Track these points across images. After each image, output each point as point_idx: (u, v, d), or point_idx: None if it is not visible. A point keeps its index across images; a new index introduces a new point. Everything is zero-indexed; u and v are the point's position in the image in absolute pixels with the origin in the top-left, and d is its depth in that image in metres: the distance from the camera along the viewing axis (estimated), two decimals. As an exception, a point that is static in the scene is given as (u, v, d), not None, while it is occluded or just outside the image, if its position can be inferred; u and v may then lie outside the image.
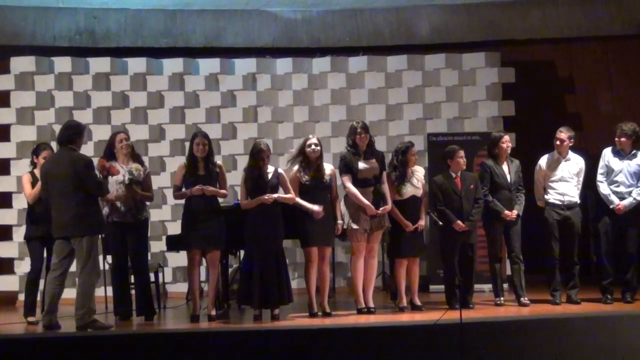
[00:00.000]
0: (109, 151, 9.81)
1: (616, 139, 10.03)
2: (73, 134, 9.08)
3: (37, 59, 12.05)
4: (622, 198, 9.98)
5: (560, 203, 10.05)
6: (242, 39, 12.65)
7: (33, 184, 9.85)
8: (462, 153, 9.97)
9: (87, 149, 11.98)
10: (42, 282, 9.99)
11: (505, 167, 10.08)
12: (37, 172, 9.90)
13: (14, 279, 11.75)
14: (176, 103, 12.40)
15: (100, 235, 9.53)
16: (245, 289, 9.53)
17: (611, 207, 9.96)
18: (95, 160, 9.26)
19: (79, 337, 8.86)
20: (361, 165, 9.65)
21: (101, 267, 11.02)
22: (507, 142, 10.10)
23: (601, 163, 10.13)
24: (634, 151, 10.06)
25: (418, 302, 10.00)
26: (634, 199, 9.96)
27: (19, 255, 11.76)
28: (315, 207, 9.51)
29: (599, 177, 10.08)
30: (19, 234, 11.75)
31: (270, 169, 9.62)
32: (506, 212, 9.93)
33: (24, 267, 11.66)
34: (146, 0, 12.26)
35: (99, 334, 8.99)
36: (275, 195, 9.48)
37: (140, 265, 9.83)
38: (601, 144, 10.20)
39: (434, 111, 12.52)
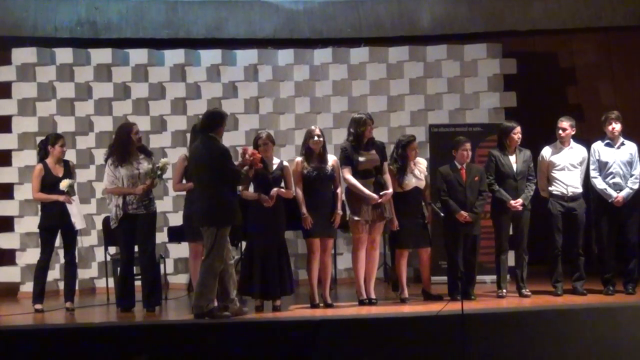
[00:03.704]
0: (119, 144, 9.79)
1: (608, 127, 10.06)
2: (214, 122, 9.09)
3: (38, 50, 12.03)
4: (620, 189, 9.99)
5: (564, 195, 10.06)
6: (244, 30, 12.63)
7: (45, 176, 9.90)
8: (467, 145, 10.01)
9: (88, 140, 12.04)
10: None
11: (512, 157, 10.08)
12: (49, 161, 9.93)
13: (16, 270, 11.75)
14: (178, 94, 12.39)
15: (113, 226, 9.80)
16: (246, 280, 9.55)
17: (610, 200, 9.98)
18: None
19: (83, 328, 8.91)
20: (362, 157, 9.67)
21: (102, 259, 11.15)
22: (519, 132, 10.11)
23: (592, 159, 10.16)
24: (622, 140, 10.10)
25: (430, 291, 10.04)
26: (630, 188, 10.00)
27: (20, 247, 11.77)
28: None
29: (592, 173, 10.11)
30: (21, 225, 11.78)
31: (276, 161, 9.66)
32: (511, 201, 9.95)
33: (25, 258, 11.68)
34: (147, -9, 12.29)
35: (100, 325, 9.04)
36: (274, 190, 9.49)
37: (150, 257, 9.84)
38: (603, 135, 10.20)
39: (435, 102, 12.51)
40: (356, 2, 12.65)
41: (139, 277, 9.93)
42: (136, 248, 9.91)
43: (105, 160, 9.88)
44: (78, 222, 9.93)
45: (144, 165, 9.77)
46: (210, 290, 8.94)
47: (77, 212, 9.92)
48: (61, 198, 9.84)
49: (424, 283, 10.16)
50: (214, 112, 9.29)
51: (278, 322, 8.97)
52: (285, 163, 9.76)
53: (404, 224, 9.87)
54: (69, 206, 9.86)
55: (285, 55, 12.59)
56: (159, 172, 9.73)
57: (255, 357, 8.43)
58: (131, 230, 9.75)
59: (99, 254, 11.68)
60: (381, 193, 9.64)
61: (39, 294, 9.97)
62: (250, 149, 9.27)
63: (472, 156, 10.35)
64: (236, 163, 9.24)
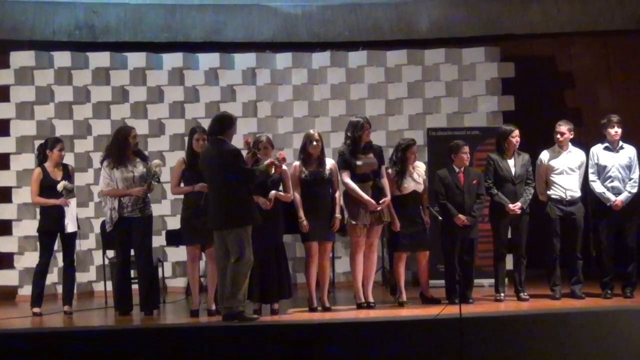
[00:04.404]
0: (116, 147, 9.78)
1: (610, 130, 10.05)
2: (224, 124, 9.09)
3: (36, 54, 12.03)
4: (618, 192, 10.00)
5: (562, 199, 10.06)
6: (242, 33, 12.64)
7: (43, 180, 9.90)
8: (466, 149, 10.01)
9: (86, 144, 12.04)
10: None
11: (511, 160, 10.09)
12: (48, 165, 9.93)
13: (14, 274, 11.75)
14: (176, 98, 12.39)
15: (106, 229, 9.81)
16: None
17: (608, 204, 9.98)
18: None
19: (81, 332, 8.91)
20: (360, 160, 9.67)
21: (100, 263, 11.15)
22: (517, 135, 10.11)
23: (591, 162, 10.16)
24: (621, 144, 10.11)
25: (428, 294, 10.05)
26: (629, 192, 10.00)
27: (18, 250, 11.77)
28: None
29: (591, 177, 10.11)
30: (19, 228, 11.78)
31: (274, 164, 9.66)
32: (509, 205, 9.95)
33: (23, 261, 11.69)
34: (146, -6, 12.30)
35: (99, 329, 9.03)
36: (273, 193, 9.49)
37: (147, 260, 9.84)
38: (601, 138, 10.21)
39: (433, 106, 12.52)
40: (354, 6, 12.67)
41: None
42: (133, 252, 9.91)
43: (101, 162, 9.87)
44: (70, 226, 9.91)
45: (139, 169, 9.77)
46: (242, 293, 8.91)
47: (71, 215, 9.91)
48: (58, 201, 9.83)
49: (422, 286, 10.16)
50: (224, 115, 9.29)
51: (276, 326, 8.95)
52: (283, 167, 9.75)
53: (402, 228, 9.86)
54: (65, 208, 9.85)
55: (283, 59, 12.59)
56: (153, 175, 9.73)
57: (253, 361, 8.44)
58: (127, 233, 9.74)
59: (97, 258, 11.69)
60: (380, 202, 9.64)
61: (38, 297, 9.97)
62: (280, 153, 9.32)
63: (470, 160, 10.36)
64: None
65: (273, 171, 9.23)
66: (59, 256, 10.68)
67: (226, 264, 8.93)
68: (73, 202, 9.95)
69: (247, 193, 9.00)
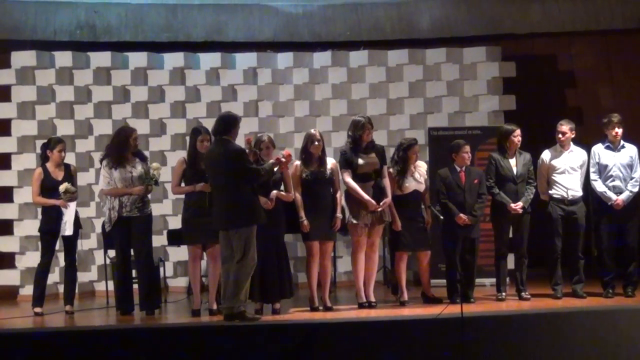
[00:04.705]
0: (116, 147, 9.79)
1: (611, 131, 10.05)
2: (228, 124, 9.11)
3: (37, 54, 12.03)
4: (619, 192, 10.00)
5: (564, 198, 10.06)
6: (243, 33, 12.63)
7: (44, 180, 9.91)
8: (467, 148, 10.02)
9: (87, 144, 12.04)
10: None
11: (512, 160, 10.09)
12: (49, 165, 9.93)
13: (15, 274, 11.75)
14: (177, 97, 12.39)
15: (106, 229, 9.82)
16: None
17: (609, 203, 9.98)
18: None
19: (82, 332, 8.91)
20: (361, 160, 9.67)
21: (102, 262, 11.16)
22: (519, 135, 10.11)
23: (592, 161, 10.16)
24: (622, 143, 10.11)
25: (430, 294, 10.05)
26: (630, 191, 10.00)
27: (20, 250, 11.77)
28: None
29: (592, 176, 10.11)
30: (20, 228, 11.78)
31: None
32: (511, 204, 9.95)
33: (25, 261, 11.68)
34: (147, -6, 12.30)
35: (100, 328, 9.03)
36: (274, 193, 9.49)
37: (147, 259, 9.84)
38: (602, 137, 10.20)
39: (434, 105, 12.52)
40: (355, 5, 12.66)
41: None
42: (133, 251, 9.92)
43: (101, 161, 9.88)
44: (67, 229, 9.89)
45: (138, 169, 9.78)
46: (244, 292, 8.93)
47: (68, 217, 9.90)
48: (58, 202, 9.84)
49: (424, 286, 10.17)
50: (228, 115, 9.29)
51: (277, 325, 8.96)
52: (286, 165, 9.76)
53: (403, 227, 9.87)
54: (63, 210, 9.85)
55: (284, 59, 12.59)
56: (152, 178, 9.74)
57: (254, 361, 8.45)
58: (126, 233, 9.75)
59: (99, 257, 11.69)
60: (381, 203, 9.64)
61: (39, 297, 9.98)
62: (286, 151, 9.32)
63: (471, 159, 10.36)
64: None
65: (276, 169, 9.24)
66: (61, 256, 10.68)
67: (232, 264, 8.94)
68: (73, 205, 9.93)
69: (251, 192, 9.00)
